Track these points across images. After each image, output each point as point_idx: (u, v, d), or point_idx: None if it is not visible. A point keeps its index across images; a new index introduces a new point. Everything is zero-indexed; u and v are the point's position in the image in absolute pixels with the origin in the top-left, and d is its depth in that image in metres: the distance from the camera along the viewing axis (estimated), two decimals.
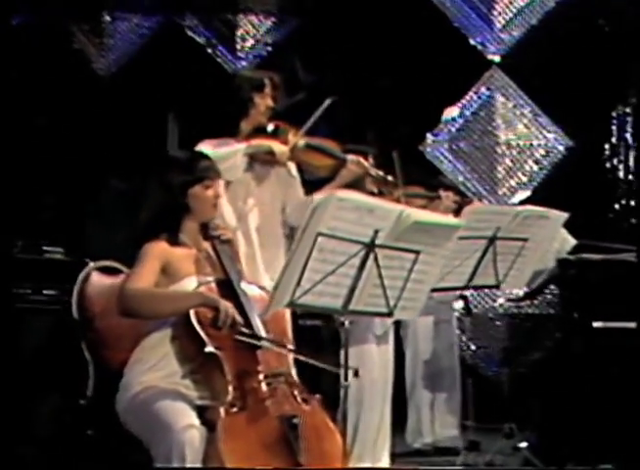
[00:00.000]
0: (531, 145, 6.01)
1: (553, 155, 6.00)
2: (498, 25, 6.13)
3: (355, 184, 3.77)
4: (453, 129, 6.14)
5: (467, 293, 3.79)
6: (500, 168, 6.03)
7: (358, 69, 6.13)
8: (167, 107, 6.42)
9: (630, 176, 5.86)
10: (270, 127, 3.52)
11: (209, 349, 2.67)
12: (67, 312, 3.14)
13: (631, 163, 5.85)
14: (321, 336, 4.64)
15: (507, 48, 6.12)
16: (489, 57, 6.14)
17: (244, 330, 2.69)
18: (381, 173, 3.63)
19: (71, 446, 3.26)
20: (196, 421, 2.60)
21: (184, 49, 6.66)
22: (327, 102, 3.50)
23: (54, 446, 3.50)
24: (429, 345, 4.64)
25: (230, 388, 2.64)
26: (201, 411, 2.67)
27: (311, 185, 3.61)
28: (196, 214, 2.91)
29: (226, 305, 2.68)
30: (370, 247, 2.52)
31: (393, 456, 4.29)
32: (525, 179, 6.02)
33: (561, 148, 6.01)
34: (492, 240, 3.09)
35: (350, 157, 3.50)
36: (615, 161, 5.87)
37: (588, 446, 3.92)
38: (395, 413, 4.30)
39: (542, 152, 6.00)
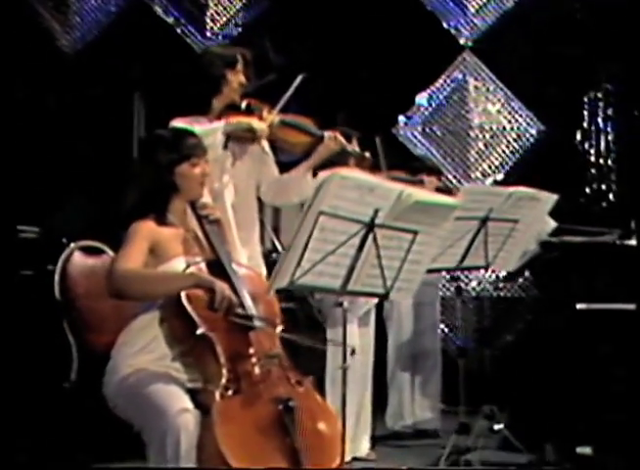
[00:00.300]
0: (504, 129, 6.02)
1: (525, 139, 6.02)
2: (472, 10, 6.12)
3: (337, 164, 3.73)
4: (426, 113, 6.12)
5: (454, 274, 3.76)
6: (473, 152, 6.04)
7: (330, 50, 6.07)
8: (134, 86, 6.29)
9: (601, 160, 5.90)
10: (243, 104, 3.44)
11: (201, 331, 2.60)
12: (44, 293, 3.06)
13: (602, 147, 5.90)
14: (297, 319, 4.61)
15: (480, 32, 6.11)
16: (462, 41, 6.13)
17: (239, 311, 2.63)
18: (358, 150, 3.59)
19: (55, 430, 3.18)
20: (190, 405, 2.54)
21: (152, 28, 6.54)
22: (299, 78, 3.44)
23: (37, 430, 3.41)
24: (412, 327, 4.62)
25: (224, 370, 2.57)
26: (193, 395, 2.61)
27: (285, 164, 3.56)
28: (183, 193, 2.84)
29: (222, 287, 2.61)
30: (370, 226, 2.49)
31: (373, 440, 4.28)
32: (497, 163, 6.04)
33: (533, 132, 6.03)
34: (484, 221, 3.08)
35: (327, 133, 3.45)
36: (586, 145, 5.90)
37: (568, 427, 3.94)
38: (375, 396, 4.28)
39: (514, 136, 6.02)
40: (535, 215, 3.24)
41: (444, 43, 6.09)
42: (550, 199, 3.30)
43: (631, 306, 3.55)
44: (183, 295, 2.63)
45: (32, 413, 3.45)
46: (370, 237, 2.50)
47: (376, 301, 4.21)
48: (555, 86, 5.83)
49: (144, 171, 2.84)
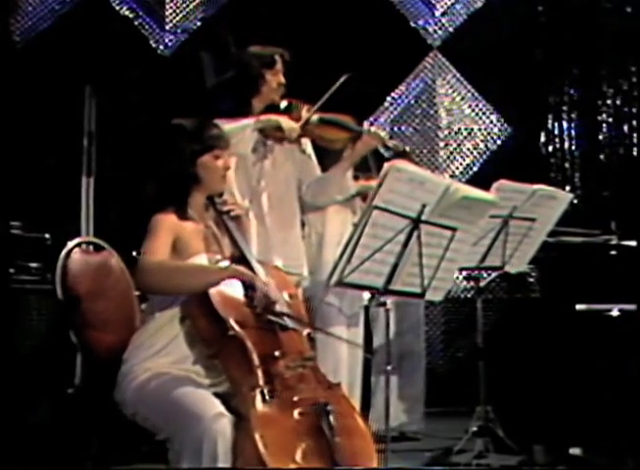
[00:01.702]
0: (472, 130, 6.02)
1: (492, 140, 6.03)
2: (440, 10, 6.10)
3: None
4: (395, 113, 6.07)
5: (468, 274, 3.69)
6: (441, 153, 6.01)
7: (292, 48, 5.95)
8: (86, 79, 6.05)
9: (566, 164, 5.96)
10: (283, 104, 3.46)
11: (235, 330, 2.46)
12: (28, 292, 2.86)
13: (566, 149, 5.96)
14: None
15: (448, 33, 6.09)
16: (430, 41, 6.10)
17: (276, 310, 2.50)
18: (398, 144, 3.56)
19: (60, 436, 2.98)
20: (224, 409, 2.40)
21: (108, 19, 6.29)
22: (343, 77, 3.43)
23: (42, 436, 3.19)
24: (398, 328, 4.53)
25: (259, 373, 2.45)
26: (224, 398, 2.47)
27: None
28: (204, 186, 2.71)
29: (263, 283, 2.49)
30: (416, 222, 2.41)
31: None
32: (465, 164, 6.03)
33: (500, 133, 6.04)
34: (507, 219, 3.03)
35: (366, 129, 3.42)
36: (550, 148, 5.95)
37: (558, 428, 3.94)
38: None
39: (481, 137, 6.02)
40: (551, 214, 3.22)
41: (412, 43, 6.05)
42: (566, 198, 3.28)
43: (632, 307, 3.56)
44: (212, 292, 2.49)
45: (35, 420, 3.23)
46: (415, 234, 2.42)
47: (365, 301, 4.14)
48: (522, 88, 5.85)
49: (164, 161, 2.69)
